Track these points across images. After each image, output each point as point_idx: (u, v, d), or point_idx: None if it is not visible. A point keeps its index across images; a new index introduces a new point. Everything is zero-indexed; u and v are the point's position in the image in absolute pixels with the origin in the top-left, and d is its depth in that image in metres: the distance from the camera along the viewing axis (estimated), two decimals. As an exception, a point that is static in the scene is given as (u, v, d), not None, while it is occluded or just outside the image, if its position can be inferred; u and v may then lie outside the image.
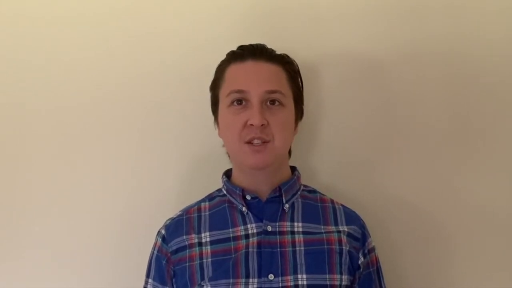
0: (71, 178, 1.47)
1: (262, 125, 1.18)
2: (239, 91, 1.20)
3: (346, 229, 1.25)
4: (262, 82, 1.20)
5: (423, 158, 1.44)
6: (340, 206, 1.30)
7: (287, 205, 1.25)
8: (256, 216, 1.23)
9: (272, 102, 1.21)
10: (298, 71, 1.31)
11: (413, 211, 1.44)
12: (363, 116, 1.45)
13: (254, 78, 1.21)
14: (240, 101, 1.21)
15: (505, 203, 1.44)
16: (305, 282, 1.17)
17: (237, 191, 1.24)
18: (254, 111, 1.18)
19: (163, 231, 1.27)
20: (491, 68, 1.44)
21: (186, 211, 1.29)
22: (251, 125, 1.18)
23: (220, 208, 1.27)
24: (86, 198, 1.47)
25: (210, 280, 1.17)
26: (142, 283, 1.29)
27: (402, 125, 1.45)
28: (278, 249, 1.19)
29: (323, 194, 1.32)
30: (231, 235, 1.21)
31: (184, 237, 1.24)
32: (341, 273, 1.19)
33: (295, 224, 1.23)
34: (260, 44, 1.26)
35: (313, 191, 1.32)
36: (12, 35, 1.47)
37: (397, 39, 1.44)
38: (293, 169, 1.32)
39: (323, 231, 1.24)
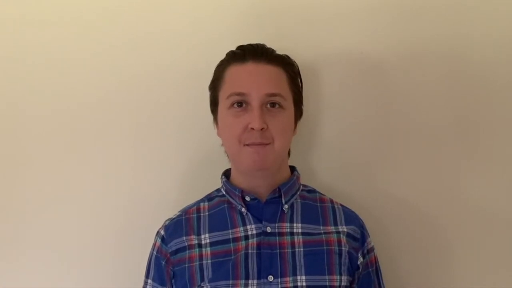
0: (71, 178, 1.47)
1: (262, 128, 1.18)
2: (239, 94, 1.20)
3: (345, 229, 1.26)
4: (263, 85, 1.20)
5: (423, 158, 1.44)
6: (340, 206, 1.30)
7: (286, 206, 1.25)
8: (255, 217, 1.23)
9: (272, 104, 1.21)
10: (298, 72, 1.30)
11: (413, 212, 1.44)
12: (363, 116, 1.45)
13: (255, 81, 1.20)
14: (240, 103, 1.20)
15: (505, 203, 1.44)
16: (304, 284, 1.17)
17: (237, 192, 1.24)
18: (254, 114, 1.18)
19: (162, 232, 1.27)
20: (492, 68, 1.44)
21: (185, 212, 1.29)
22: (252, 128, 1.18)
23: (220, 208, 1.27)
24: (85, 198, 1.47)
25: (209, 281, 1.17)
26: (142, 284, 1.29)
27: (402, 125, 1.45)
28: (278, 251, 1.19)
29: (323, 194, 1.32)
30: (230, 236, 1.21)
31: (184, 238, 1.24)
32: (340, 274, 1.20)
33: (294, 225, 1.23)
34: (260, 44, 1.26)
35: (313, 191, 1.33)
36: (11, 36, 1.46)
37: (398, 39, 1.44)
38: (292, 169, 1.32)
39: (322, 231, 1.24)
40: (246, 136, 1.19)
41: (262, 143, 1.18)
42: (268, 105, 1.20)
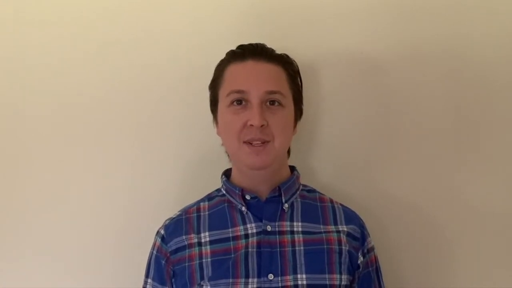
0: (71, 178, 1.47)
1: (261, 125, 1.18)
2: (239, 91, 1.20)
3: (345, 229, 1.26)
4: (262, 82, 1.20)
5: (423, 158, 1.44)
6: (340, 206, 1.30)
7: (286, 205, 1.25)
8: (255, 216, 1.23)
9: (272, 102, 1.21)
10: (298, 71, 1.31)
11: (413, 211, 1.44)
12: (362, 116, 1.45)
13: (254, 79, 1.21)
14: (240, 101, 1.20)
15: (504, 203, 1.44)
16: (304, 282, 1.17)
17: (237, 191, 1.24)
18: (254, 111, 1.18)
19: (162, 231, 1.27)
20: (492, 68, 1.44)
21: (186, 211, 1.29)
22: (251, 125, 1.18)
23: (220, 208, 1.27)
24: (85, 198, 1.47)
25: (209, 280, 1.17)
26: (142, 283, 1.29)
27: (402, 125, 1.45)
28: (278, 249, 1.19)
29: (322, 194, 1.32)
30: (230, 235, 1.21)
31: (184, 237, 1.24)
32: (340, 273, 1.19)
33: (295, 223, 1.23)
34: (260, 44, 1.26)
35: (312, 191, 1.32)
36: (11, 36, 1.47)
37: (397, 39, 1.44)
38: (292, 168, 1.32)
39: (322, 230, 1.24)
40: (246, 132, 1.19)
41: (261, 139, 1.19)
42: (268, 103, 1.20)
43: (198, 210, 1.28)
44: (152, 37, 1.45)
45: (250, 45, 1.25)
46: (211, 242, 1.21)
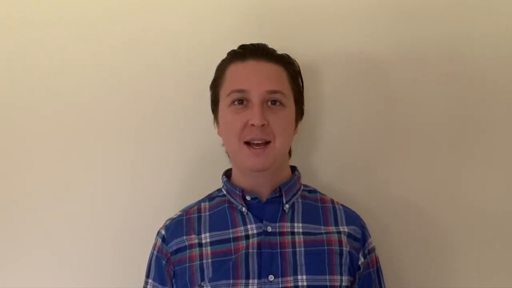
0: (71, 178, 1.47)
1: (262, 125, 1.18)
2: (240, 91, 1.20)
3: (346, 230, 1.25)
4: (263, 82, 1.20)
5: (424, 158, 1.44)
6: (340, 206, 1.30)
7: (287, 206, 1.24)
8: (256, 216, 1.23)
9: (273, 102, 1.21)
10: (299, 71, 1.30)
11: (413, 212, 1.44)
12: (363, 116, 1.45)
13: (255, 78, 1.20)
14: (241, 100, 1.20)
15: (504, 203, 1.44)
16: (305, 283, 1.17)
17: (237, 192, 1.24)
18: (254, 111, 1.18)
19: (163, 232, 1.27)
20: (492, 68, 1.44)
21: (186, 211, 1.29)
22: (252, 125, 1.18)
23: (220, 208, 1.27)
24: (85, 198, 1.47)
25: (210, 280, 1.17)
26: (142, 284, 1.29)
27: (403, 125, 1.45)
28: (278, 250, 1.19)
29: (323, 194, 1.32)
30: (231, 235, 1.21)
31: (184, 237, 1.24)
32: (341, 274, 1.19)
33: (295, 224, 1.23)
34: (261, 44, 1.26)
35: (313, 191, 1.32)
36: (11, 36, 1.46)
37: (398, 39, 1.44)
38: (293, 169, 1.32)
39: (323, 231, 1.24)
40: (246, 132, 1.19)
41: (262, 138, 1.19)
42: (269, 103, 1.20)
43: (199, 210, 1.28)
44: (152, 37, 1.45)
45: (252, 45, 1.25)
46: (212, 243, 1.21)
